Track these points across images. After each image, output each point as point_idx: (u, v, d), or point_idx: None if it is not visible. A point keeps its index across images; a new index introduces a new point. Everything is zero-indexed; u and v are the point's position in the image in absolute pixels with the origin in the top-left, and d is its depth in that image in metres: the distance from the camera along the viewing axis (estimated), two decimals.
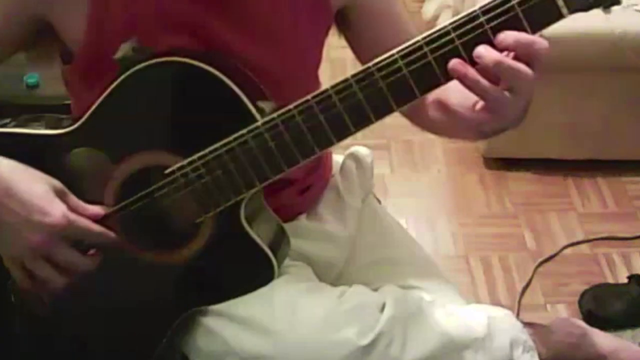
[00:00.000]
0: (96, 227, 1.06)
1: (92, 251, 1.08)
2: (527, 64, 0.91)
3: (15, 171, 1.03)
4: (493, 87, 0.92)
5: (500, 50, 0.91)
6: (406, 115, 1.25)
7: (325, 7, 1.17)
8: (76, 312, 1.20)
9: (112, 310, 1.18)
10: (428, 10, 2.83)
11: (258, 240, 1.11)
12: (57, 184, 1.05)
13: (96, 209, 1.08)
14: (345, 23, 1.21)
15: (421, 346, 1.12)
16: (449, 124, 1.08)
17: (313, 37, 1.19)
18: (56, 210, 1.01)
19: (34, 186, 1.02)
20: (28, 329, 1.23)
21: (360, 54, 1.23)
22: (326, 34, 1.21)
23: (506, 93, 0.92)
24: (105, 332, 1.20)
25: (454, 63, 0.92)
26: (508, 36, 0.90)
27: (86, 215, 1.06)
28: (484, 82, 0.91)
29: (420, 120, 1.20)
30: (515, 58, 0.91)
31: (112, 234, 1.08)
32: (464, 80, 0.92)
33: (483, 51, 0.90)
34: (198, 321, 1.16)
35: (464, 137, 1.16)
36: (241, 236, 1.10)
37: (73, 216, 1.03)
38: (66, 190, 1.05)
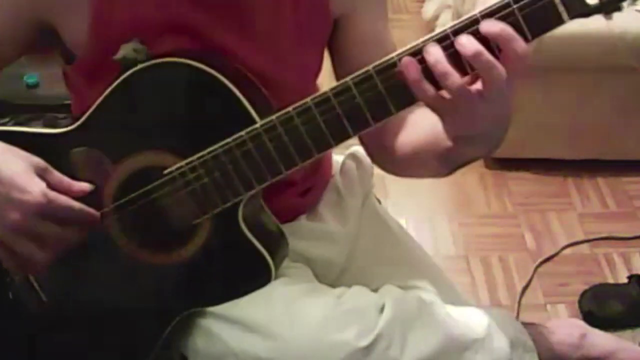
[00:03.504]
0: (75, 204, 1.04)
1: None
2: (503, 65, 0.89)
3: None
4: (464, 82, 0.90)
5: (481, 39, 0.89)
6: (373, 155, 1.26)
7: (325, 17, 1.17)
8: (72, 310, 1.20)
9: (108, 309, 1.18)
10: (428, 10, 2.84)
11: (256, 242, 1.11)
12: (39, 161, 1.04)
13: (82, 185, 1.07)
14: (334, 34, 1.20)
15: (421, 347, 1.12)
16: (417, 141, 1.09)
17: (313, 46, 1.19)
18: (35, 188, 1.01)
19: (13, 164, 1.02)
20: (25, 326, 1.23)
21: (339, 69, 1.22)
22: (325, 43, 1.21)
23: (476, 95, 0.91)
24: (101, 332, 1.20)
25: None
26: (494, 25, 0.88)
27: (71, 191, 1.05)
28: (455, 75, 0.90)
29: (386, 156, 1.21)
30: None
31: (91, 210, 1.06)
32: (436, 67, 0.90)
33: (465, 40, 0.89)
34: (197, 322, 1.16)
35: (432, 169, 1.12)
36: (239, 238, 1.10)
37: (52, 194, 1.02)
38: (48, 167, 1.04)
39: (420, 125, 1.10)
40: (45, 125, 1.14)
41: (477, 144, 0.98)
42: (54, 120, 1.16)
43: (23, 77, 2.19)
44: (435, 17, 2.74)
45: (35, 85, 2.19)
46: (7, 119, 1.17)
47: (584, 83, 2.28)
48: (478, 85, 0.90)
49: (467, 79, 0.91)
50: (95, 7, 1.07)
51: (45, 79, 2.19)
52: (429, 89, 0.91)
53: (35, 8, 1.10)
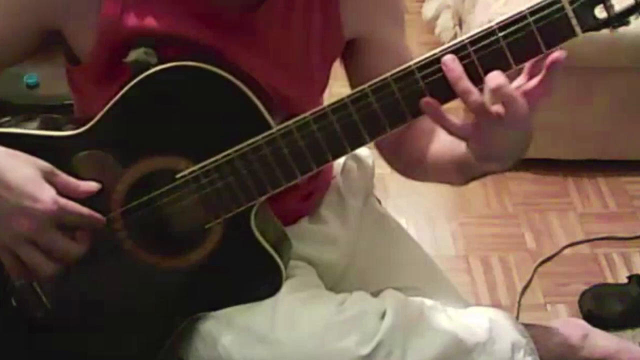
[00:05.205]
0: (85, 211, 1.04)
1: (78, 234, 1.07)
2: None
3: (1, 156, 1.02)
4: (485, 102, 0.91)
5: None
6: (389, 161, 1.27)
7: (336, 38, 1.17)
8: (76, 315, 1.20)
9: (113, 314, 1.18)
10: (428, 10, 2.83)
11: (268, 247, 1.11)
12: (46, 165, 1.03)
13: (89, 185, 1.06)
14: (350, 53, 1.20)
15: (422, 354, 1.12)
16: (436, 153, 1.10)
17: (322, 64, 1.19)
18: (46, 195, 1.00)
19: (22, 171, 1.01)
20: (28, 332, 1.22)
21: (356, 85, 1.22)
22: (334, 61, 1.21)
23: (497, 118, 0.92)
24: (108, 336, 1.20)
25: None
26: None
27: (78, 191, 1.05)
28: (477, 93, 0.92)
29: (403, 162, 1.22)
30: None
31: (100, 217, 1.06)
32: (457, 84, 0.92)
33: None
34: (198, 327, 1.16)
35: (450, 177, 1.14)
36: (250, 242, 1.10)
37: (63, 201, 1.02)
38: (54, 169, 1.04)
39: (440, 136, 1.10)
40: (47, 127, 1.13)
41: (494, 161, 0.99)
42: (51, 120, 1.15)
43: (23, 77, 2.18)
44: (435, 17, 2.73)
45: (35, 85, 2.19)
46: (7, 118, 1.16)
47: (584, 83, 2.28)
48: (499, 108, 0.91)
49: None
50: (105, 16, 1.06)
51: (45, 79, 2.19)
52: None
53: (43, 14, 1.09)
